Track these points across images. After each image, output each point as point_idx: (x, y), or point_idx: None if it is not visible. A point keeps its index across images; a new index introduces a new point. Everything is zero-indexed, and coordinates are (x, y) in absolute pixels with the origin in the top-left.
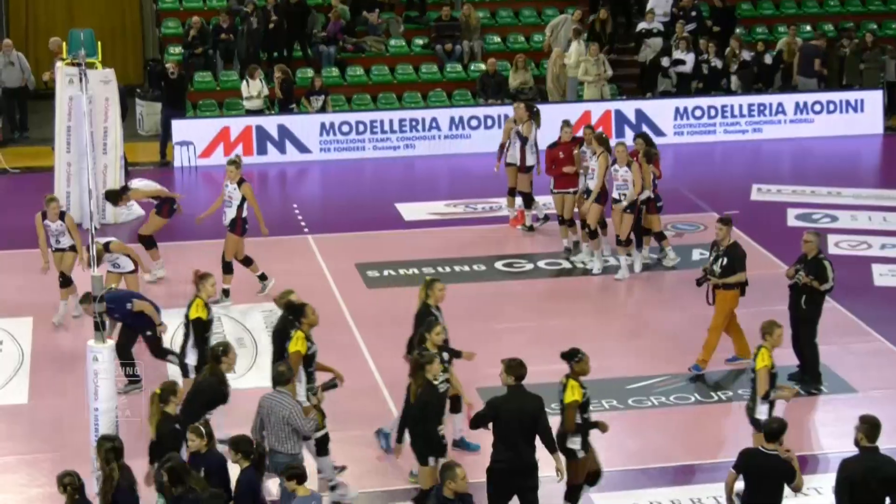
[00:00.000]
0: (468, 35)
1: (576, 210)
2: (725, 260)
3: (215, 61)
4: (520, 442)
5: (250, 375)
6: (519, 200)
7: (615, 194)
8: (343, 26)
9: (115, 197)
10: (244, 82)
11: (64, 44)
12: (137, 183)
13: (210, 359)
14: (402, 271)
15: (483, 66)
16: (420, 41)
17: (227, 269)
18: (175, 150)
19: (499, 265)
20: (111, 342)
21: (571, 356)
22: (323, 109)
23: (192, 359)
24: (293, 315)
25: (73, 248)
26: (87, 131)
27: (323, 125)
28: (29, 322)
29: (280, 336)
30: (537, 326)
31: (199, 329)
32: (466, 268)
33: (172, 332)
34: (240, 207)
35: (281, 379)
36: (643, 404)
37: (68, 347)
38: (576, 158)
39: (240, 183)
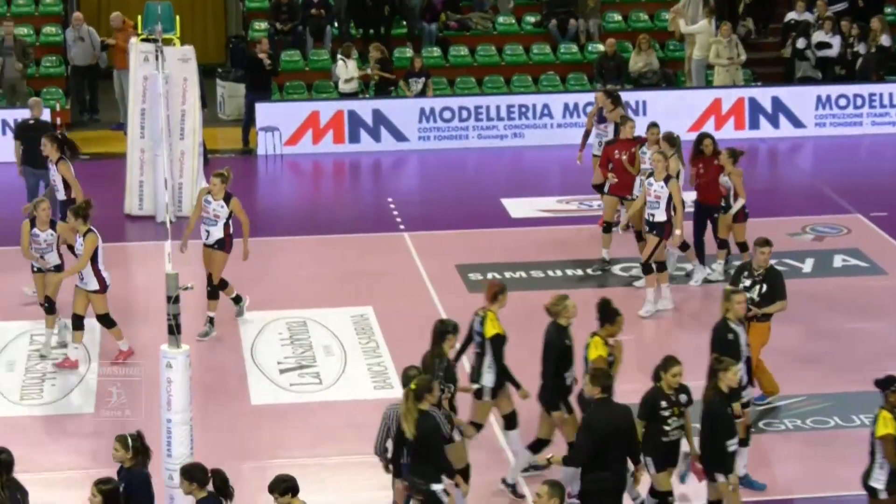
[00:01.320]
0: (585, 12)
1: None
2: (765, 287)
3: (304, 39)
4: (615, 459)
5: (340, 385)
6: None
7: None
8: (446, 1)
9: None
10: (339, 62)
11: (139, 18)
12: None
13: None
14: (507, 274)
15: (601, 47)
16: (531, 18)
17: (216, 293)
18: (259, 136)
19: (616, 269)
20: (186, 347)
21: (887, 384)
22: (423, 93)
23: (489, 379)
24: (605, 317)
25: (58, 268)
26: (162, 114)
27: (422, 111)
28: (96, 323)
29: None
30: (652, 337)
31: (498, 346)
32: (579, 271)
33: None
34: (227, 225)
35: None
36: (775, 427)
37: (138, 351)
38: (636, 160)
39: (227, 199)
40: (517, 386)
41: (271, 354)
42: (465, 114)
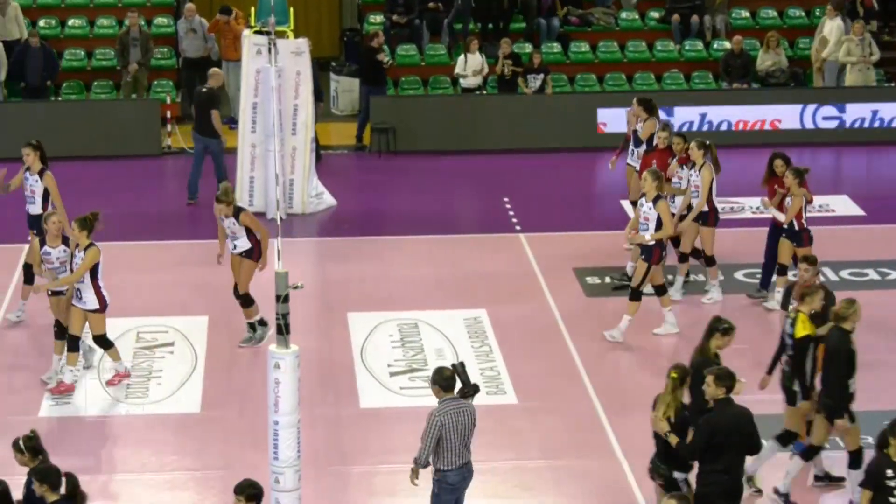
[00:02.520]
0: (711, 8)
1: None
2: None
3: (421, 33)
4: (735, 462)
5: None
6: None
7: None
8: None
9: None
10: (461, 57)
11: (252, 9)
12: None
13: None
14: (606, 279)
15: (727, 45)
16: (655, 14)
17: (248, 301)
18: (373, 133)
19: (739, 275)
20: (295, 347)
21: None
22: (541, 90)
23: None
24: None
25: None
26: (274, 109)
27: (532, 107)
28: (204, 322)
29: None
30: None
31: (805, 348)
32: (700, 277)
33: None
34: (250, 236)
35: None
36: None
37: (249, 350)
38: (671, 170)
39: (237, 215)
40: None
41: (381, 357)
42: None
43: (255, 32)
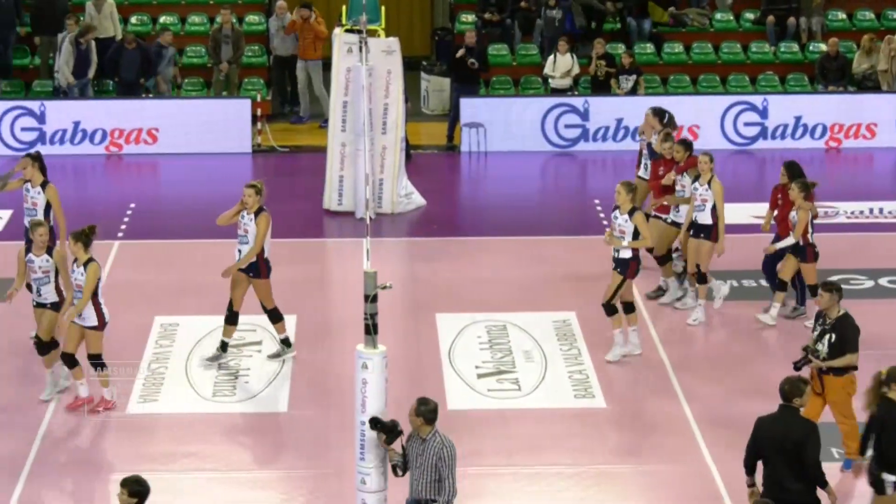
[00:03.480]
0: (807, 9)
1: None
2: (833, 336)
3: (513, 32)
4: (784, 473)
5: (539, 393)
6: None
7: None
8: None
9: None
10: (550, 57)
11: (344, 8)
12: None
13: None
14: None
15: (823, 47)
16: (750, 15)
17: (278, 316)
18: (463, 132)
19: (884, 281)
20: (383, 348)
21: None
22: (634, 91)
23: None
24: None
25: (55, 306)
26: (365, 108)
27: (626, 108)
28: (292, 321)
29: None
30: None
31: None
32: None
33: None
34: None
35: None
36: None
37: (336, 350)
38: (668, 178)
39: (258, 214)
40: None
41: (469, 358)
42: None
43: (347, 31)
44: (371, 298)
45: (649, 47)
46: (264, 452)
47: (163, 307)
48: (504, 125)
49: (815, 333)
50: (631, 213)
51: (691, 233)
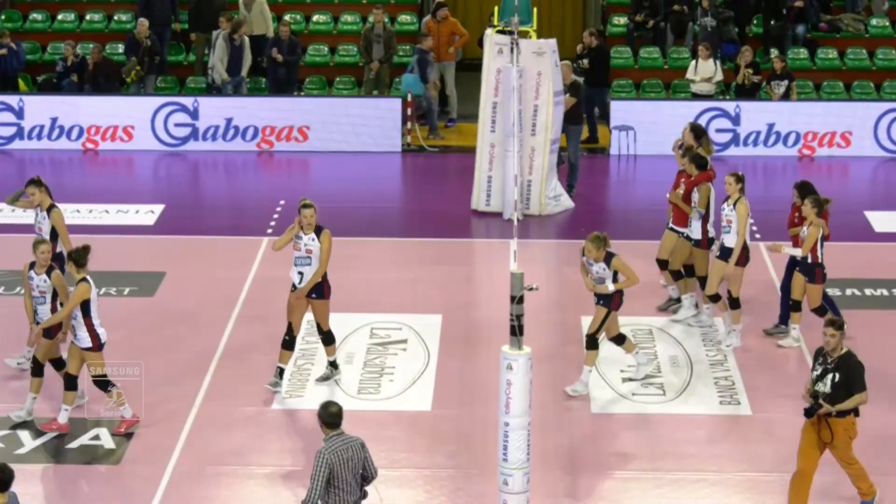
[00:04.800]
0: None
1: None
2: (837, 376)
3: (665, 35)
4: None
5: (683, 398)
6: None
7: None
8: (813, 2)
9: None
10: (693, 62)
11: (496, 9)
12: None
13: None
14: (867, 291)
15: None
16: None
17: (331, 338)
18: (612, 135)
19: None
20: (528, 349)
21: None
22: (786, 96)
23: None
24: None
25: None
26: (514, 109)
27: (779, 113)
28: (438, 320)
29: None
30: None
31: None
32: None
33: None
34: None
35: None
36: None
37: (482, 350)
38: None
39: (318, 232)
40: None
41: (614, 363)
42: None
43: (498, 32)
44: (517, 300)
45: (803, 52)
46: (407, 450)
47: None
48: (654, 128)
49: (816, 373)
50: (608, 260)
51: (718, 254)
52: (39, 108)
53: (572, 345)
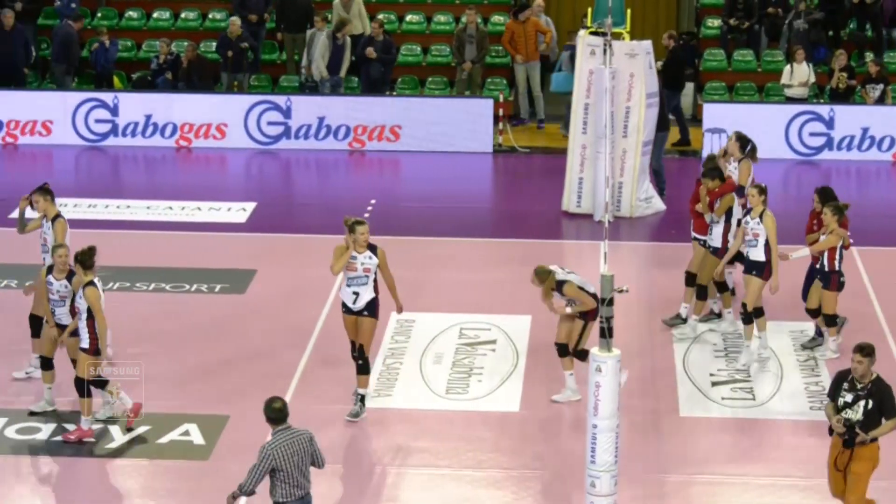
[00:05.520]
0: None
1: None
2: (871, 403)
3: (759, 38)
4: None
5: (774, 403)
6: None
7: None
8: None
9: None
10: (787, 67)
11: (589, 10)
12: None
13: None
14: None
15: None
16: None
17: (368, 367)
18: (705, 137)
19: None
20: (617, 351)
21: None
22: (881, 101)
23: None
24: None
25: (73, 333)
26: (606, 111)
27: (874, 117)
28: (527, 321)
29: None
30: None
31: None
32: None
33: None
34: (376, 282)
35: None
36: None
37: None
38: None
39: (374, 249)
40: None
41: (704, 366)
42: None
43: (591, 33)
44: (607, 302)
45: None
46: (495, 451)
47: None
48: (747, 131)
49: (844, 399)
50: (560, 287)
51: (745, 270)
52: (134, 105)
53: (661, 348)
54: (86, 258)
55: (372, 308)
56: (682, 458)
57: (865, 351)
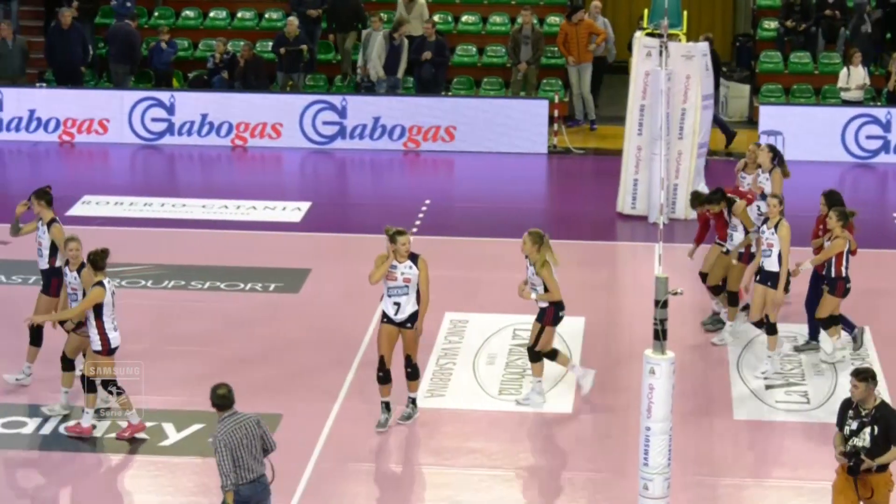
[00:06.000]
0: None
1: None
2: (877, 429)
3: (816, 40)
4: None
5: (828, 407)
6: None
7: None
8: None
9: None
10: (844, 70)
11: (646, 11)
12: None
13: None
14: None
15: None
16: None
17: (417, 372)
18: (761, 139)
19: None
20: (671, 354)
21: None
22: None
23: None
24: None
25: (78, 326)
26: (662, 112)
27: None
28: (581, 322)
29: None
30: None
31: None
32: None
33: None
34: (417, 292)
35: None
36: None
37: (623, 354)
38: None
39: (414, 259)
40: None
41: (759, 369)
42: None
43: (647, 35)
44: (661, 304)
45: None
46: (547, 453)
47: (453, 303)
48: (803, 134)
49: (851, 427)
50: (542, 265)
51: (757, 278)
52: (190, 104)
53: (715, 351)
54: (98, 259)
55: (415, 320)
56: (734, 461)
57: (861, 375)
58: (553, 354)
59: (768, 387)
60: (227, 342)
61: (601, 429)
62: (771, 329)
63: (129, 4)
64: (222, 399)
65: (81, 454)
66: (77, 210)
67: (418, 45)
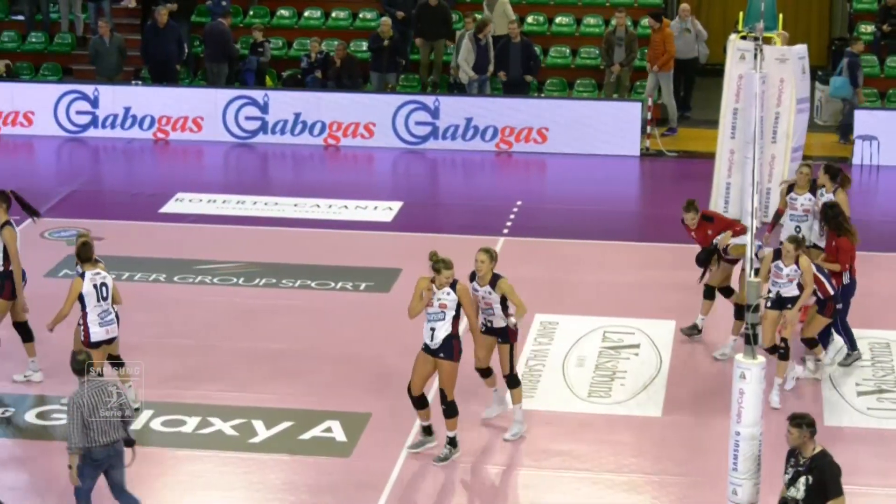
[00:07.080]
0: None
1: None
2: (811, 479)
3: None
4: None
5: None
6: None
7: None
8: None
9: None
10: None
11: (741, 14)
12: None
13: None
14: None
15: None
16: None
17: (454, 410)
18: (856, 144)
19: None
20: (762, 359)
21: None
22: None
23: None
24: None
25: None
26: (756, 115)
27: None
28: (671, 326)
29: None
30: None
31: None
32: None
33: None
34: (456, 319)
35: None
36: None
37: (710, 358)
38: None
39: (494, 282)
40: None
41: (850, 375)
42: None
43: (741, 38)
44: (753, 308)
45: None
46: (636, 456)
47: (543, 305)
48: None
49: (788, 476)
50: (493, 283)
51: (768, 305)
52: (283, 103)
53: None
54: (79, 251)
55: (448, 349)
56: None
57: (796, 421)
58: (487, 373)
59: (860, 393)
60: (316, 341)
61: (691, 432)
62: (783, 356)
63: (224, 3)
64: (80, 364)
65: (172, 449)
66: (170, 207)
67: (504, 45)
